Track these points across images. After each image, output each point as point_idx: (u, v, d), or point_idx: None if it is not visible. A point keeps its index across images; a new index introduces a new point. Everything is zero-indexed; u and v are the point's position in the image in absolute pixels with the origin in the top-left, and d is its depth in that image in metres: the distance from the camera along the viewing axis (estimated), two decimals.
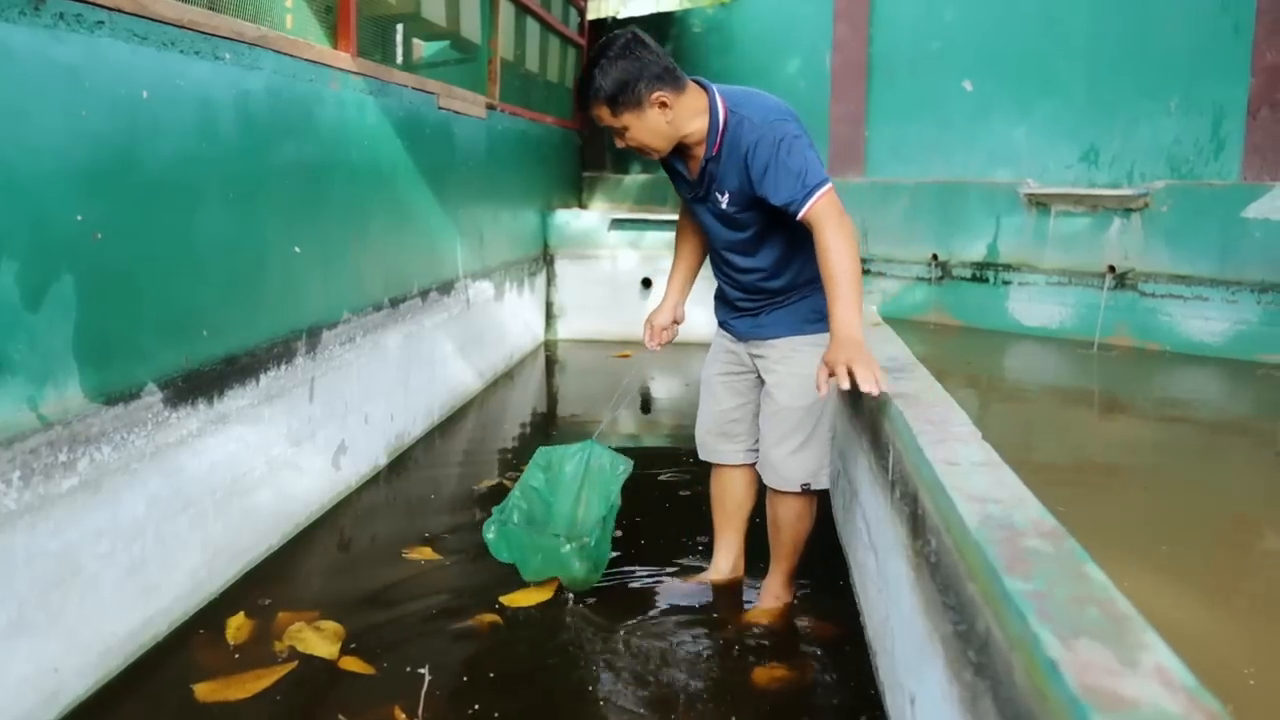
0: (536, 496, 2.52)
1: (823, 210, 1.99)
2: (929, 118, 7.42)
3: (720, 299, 2.45)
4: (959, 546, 1.26)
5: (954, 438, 1.57)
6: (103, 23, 2.00)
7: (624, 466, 2.51)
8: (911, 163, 7.52)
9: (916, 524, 1.58)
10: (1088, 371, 5.86)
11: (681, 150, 2.17)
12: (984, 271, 7.02)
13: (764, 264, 2.24)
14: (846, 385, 1.85)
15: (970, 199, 7.08)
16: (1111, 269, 6.29)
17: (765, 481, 2.39)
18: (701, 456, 2.58)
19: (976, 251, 7.05)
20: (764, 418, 2.36)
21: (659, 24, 9.44)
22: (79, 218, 1.94)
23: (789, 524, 2.37)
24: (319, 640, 2.24)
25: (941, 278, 7.26)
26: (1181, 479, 3.79)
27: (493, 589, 2.50)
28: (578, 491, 2.53)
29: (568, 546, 2.28)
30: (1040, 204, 6.64)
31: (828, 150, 8.00)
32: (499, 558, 2.40)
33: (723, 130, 2.08)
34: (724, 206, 2.16)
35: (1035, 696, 0.93)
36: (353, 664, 2.13)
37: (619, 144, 2.14)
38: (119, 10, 2.04)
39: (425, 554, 2.75)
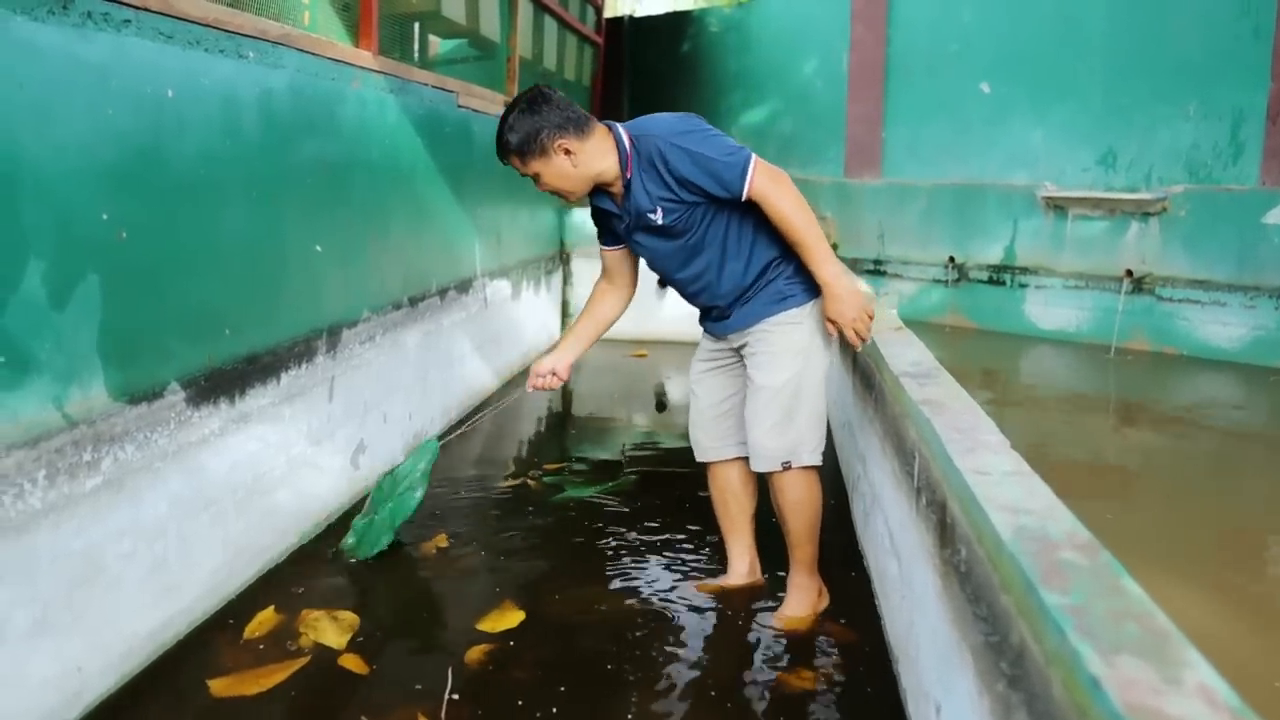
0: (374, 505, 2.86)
1: (762, 182, 2.12)
2: (946, 119, 7.38)
3: (697, 309, 2.50)
4: (992, 558, 1.25)
5: (983, 446, 1.56)
6: (129, 21, 2.01)
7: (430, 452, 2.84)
8: (929, 164, 7.48)
9: (944, 532, 1.57)
10: (1105, 376, 5.83)
11: (605, 189, 2.29)
12: (1001, 274, 6.98)
13: (714, 261, 2.29)
14: (860, 345, 2.27)
15: (987, 201, 7.04)
16: (1129, 273, 6.25)
17: (752, 467, 2.38)
18: (697, 458, 2.58)
19: (993, 254, 7.02)
20: (746, 402, 2.36)
21: (676, 23, 9.40)
22: (104, 216, 1.95)
23: (789, 508, 2.34)
24: (332, 629, 2.26)
25: (958, 280, 7.22)
26: (1202, 487, 3.77)
27: (516, 588, 2.51)
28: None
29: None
30: (1058, 207, 6.60)
31: (844, 150, 7.98)
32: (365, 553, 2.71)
33: (630, 153, 2.21)
34: (659, 221, 2.23)
35: (1075, 712, 0.92)
36: (353, 662, 2.14)
37: (539, 189, 2.29)
38: (146, 9, 2.04)
39: (444, 548, 2.75)
